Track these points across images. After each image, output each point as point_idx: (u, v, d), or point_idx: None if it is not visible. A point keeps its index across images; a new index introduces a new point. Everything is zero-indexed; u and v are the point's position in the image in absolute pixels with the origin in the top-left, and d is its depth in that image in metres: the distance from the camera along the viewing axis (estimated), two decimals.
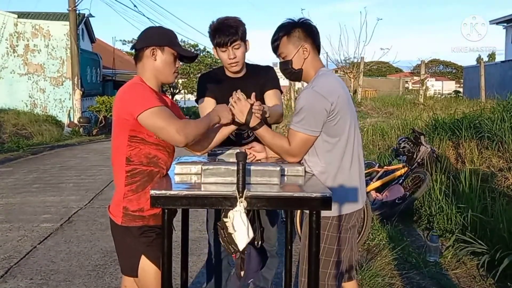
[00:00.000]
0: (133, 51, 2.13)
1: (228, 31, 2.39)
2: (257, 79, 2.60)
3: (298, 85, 21.14)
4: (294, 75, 2.20)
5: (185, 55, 2.11)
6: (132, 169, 1.98)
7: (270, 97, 2.62)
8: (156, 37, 2.02)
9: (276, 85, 2.65)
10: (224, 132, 2.22)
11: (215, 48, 2.49)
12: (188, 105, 34.27)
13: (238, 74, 2.60)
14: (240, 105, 2.14)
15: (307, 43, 2.14)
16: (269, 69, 2.71)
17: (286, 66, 2.18)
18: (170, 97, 2.34)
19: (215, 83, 2.59)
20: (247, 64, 2.63)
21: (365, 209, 4.01)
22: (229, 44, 2.42)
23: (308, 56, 2.14)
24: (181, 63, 2.12)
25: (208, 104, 2.52)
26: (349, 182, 2.15)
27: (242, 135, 2.64)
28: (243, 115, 2.13)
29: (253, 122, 2.14)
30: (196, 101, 2.73)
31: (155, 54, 2.00)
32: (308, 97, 2.06)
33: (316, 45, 2.18)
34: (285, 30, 2.16)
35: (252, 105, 2.14)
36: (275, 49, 2.21)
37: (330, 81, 2.13)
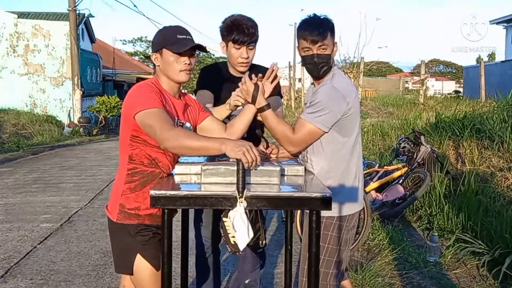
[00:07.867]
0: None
1: (248, 30, 2.38)
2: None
3: (298, 85, 21.17)
4: (326, 71, 2.16)
5: (179, 52, 1.99)
6: (133, 168, 1.99)
7: (271, 103, 2.59)
8: (155, 43, 2.05)
9: (277, 91, 2.57)
10: (244, 121, 2.18)
11: (226, 43, 2.45)
12: None
13: (241, 74, 2.58)
14: (246, 86, 2.12)
15: (335, 40, 2.17)
16: None
17: (324, 60, 2.12)
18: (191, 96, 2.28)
19: (217, 77, 2.57)
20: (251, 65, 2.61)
21: (365, 209, 4.01)
22: (246, 43, 2.41)
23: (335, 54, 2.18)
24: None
25: (206, 97, 2.49)
26: (354, 182, 2.16)
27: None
28: (249, 93, 2.12)
29: (260, 102, 2.12)
30: (195, 91, 2.69)
31: (157, 59, 2.04)
32: (328, 93, 2.07)
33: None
34: (331, 24, 2.15)
35: (257, 85, 2.12)
36: (322, 38, 2.09)
37: (347, 81, 2.18)
